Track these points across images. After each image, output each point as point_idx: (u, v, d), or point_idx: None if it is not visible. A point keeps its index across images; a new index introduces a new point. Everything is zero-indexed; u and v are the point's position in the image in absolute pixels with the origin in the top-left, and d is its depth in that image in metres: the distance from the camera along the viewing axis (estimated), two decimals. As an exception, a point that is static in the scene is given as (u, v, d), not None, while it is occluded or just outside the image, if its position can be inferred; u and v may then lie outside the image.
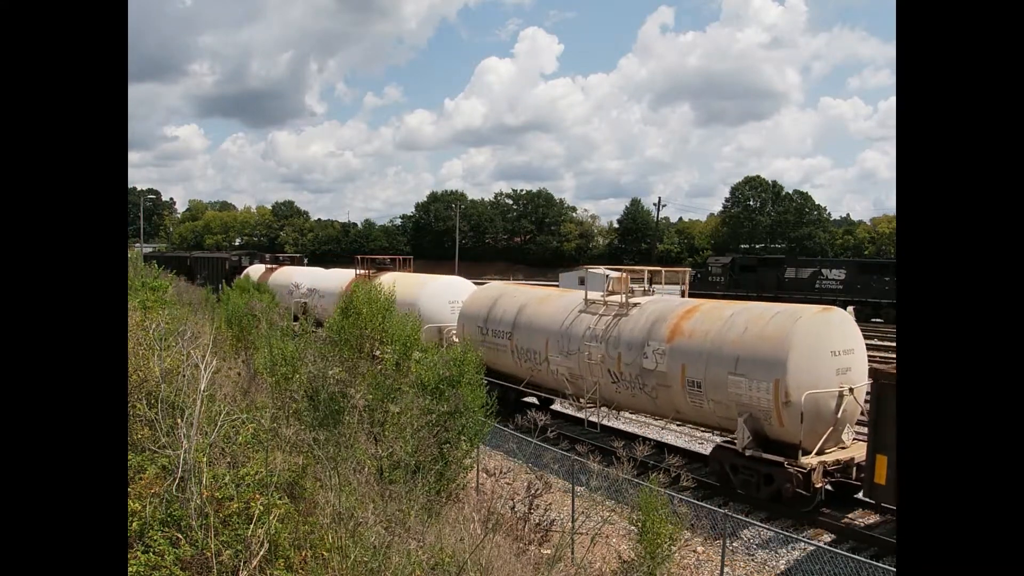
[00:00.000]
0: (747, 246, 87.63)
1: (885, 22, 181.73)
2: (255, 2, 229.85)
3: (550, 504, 9.93)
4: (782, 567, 9.91)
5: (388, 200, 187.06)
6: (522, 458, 11.55)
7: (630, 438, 13.37)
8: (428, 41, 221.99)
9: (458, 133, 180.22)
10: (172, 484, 4.68)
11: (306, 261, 46.69)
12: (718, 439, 15.30)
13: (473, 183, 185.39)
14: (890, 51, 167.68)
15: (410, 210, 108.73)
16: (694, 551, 10.06)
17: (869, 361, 11.90)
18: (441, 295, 21.10)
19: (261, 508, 4.64)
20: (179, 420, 5.22)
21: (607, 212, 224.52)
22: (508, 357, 16.92)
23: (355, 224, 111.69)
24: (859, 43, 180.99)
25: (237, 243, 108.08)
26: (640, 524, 7.57)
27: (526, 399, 17.12)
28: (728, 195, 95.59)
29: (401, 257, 30.06)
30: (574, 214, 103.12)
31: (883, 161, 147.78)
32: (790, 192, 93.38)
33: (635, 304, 14.08)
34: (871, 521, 11.17)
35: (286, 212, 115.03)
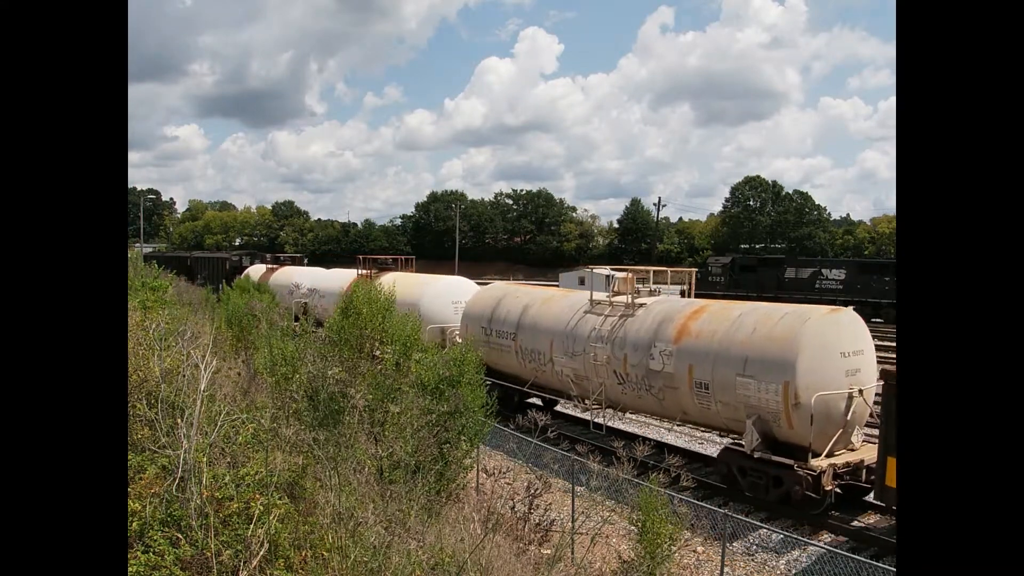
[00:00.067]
0: (747, 246, 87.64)
1: (885, 22, 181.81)
2: (255, 2, 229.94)
3: (550, 504, 9.93)
4: (782, 567, 9.91)
5: (388, 200, 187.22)
6: (522, 458, 11.55)
7: (630, 438, 13.36)
8: (428, 41, 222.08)
9: (458, 133, 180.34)
10: (172, 484, 4.68)
11: (306, 261, 46.67)
12: (717, 439, 15.32)
13: (473, 183, 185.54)
14: (890, 51, 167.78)
15: (410, 210, 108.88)
16: (694, 551, 10.06)
17: (877, 362, 11.85)
18: (444, 295, 21.04)
19: (261, 508, 4.64)
20: (179, 420, 5.22)
21: (607, 212, 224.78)
22: (512, 358, 16.82)
23: (355, 224, 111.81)
24: (859, 43, 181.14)
25: (237, 243, 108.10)
26: (640, 524, 7.57)
27: (530, 400, 17.06)
28: (728, 195, 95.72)
29: (403, 257, 30.01)
30: (574, 214, 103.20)
31: (883, 161, 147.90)
32: (790, 192, 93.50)
33: (641, 304, 13.98)
34: (871, 521, 11.17)
35: (286, 212, 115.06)
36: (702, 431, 14.43)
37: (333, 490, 5.82)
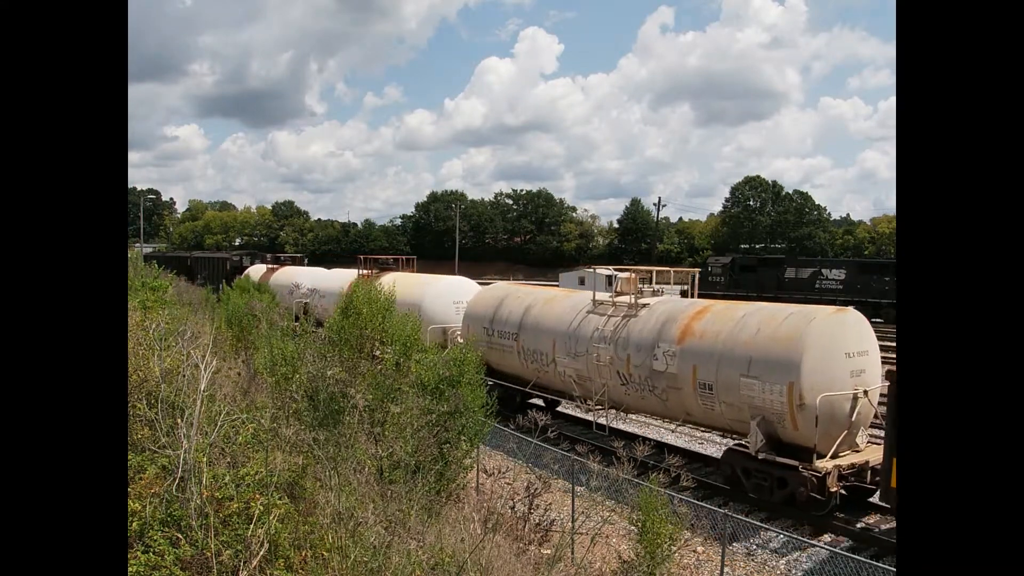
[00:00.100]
0: (747, 246, 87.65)
1: (885, 22, 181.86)
2: (255, 2, 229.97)
3: (550, 504, 9.93)
4: (782, 567, 9.91)
5: (388, 200, 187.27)
6: (522, 458, 11.55)
7: (630, 438, 13.35)
8: (428, 41, 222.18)
9: (458, 133, 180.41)
10: (172, 484, 4.68)
11: (306, 261, 46.65)
12: (718, 439, 15.31)
13: (473, 183, 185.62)
14: (890, 51, 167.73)
15: (410, 210, 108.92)
16: (694, 551, 10.05)
17: (882, 363, 11.80)
18: (446, 295, 20.99)
19: (261, 508, 4.64)
20: (179, 420, 5.22)
21: (607, 212, 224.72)
22: (514, 358, 16.76)
23: (355, 224, 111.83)
24: (859, 43, 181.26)
25: (237, 243, 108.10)
26: (640, 524, 7.57)
27: (532, 400, 17.00)
28: (728, 195, 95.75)
29: (404, 257, 29.97)
30: (574, 214, 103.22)
31: (883, 161, 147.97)
32: (790, 192, 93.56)
33: (644, 305, 13.91)
34: (872, 521, 11.17)
35: (286, 212, 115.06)
36: (702, 431, 14.42)
37: (333, 490, 5.82)
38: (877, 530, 10.75)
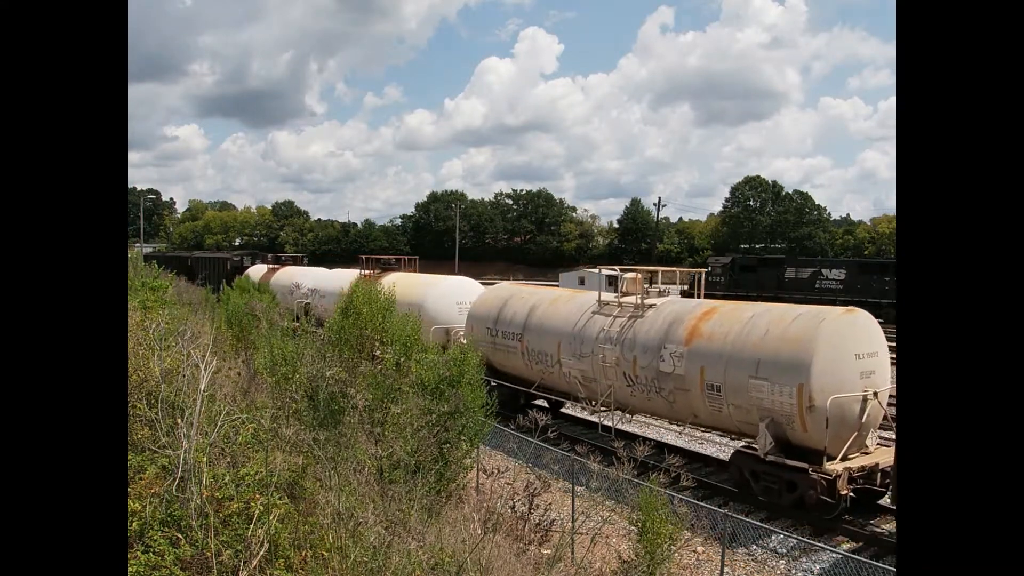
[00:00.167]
0: (747, 246, 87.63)
1: (885, 22, 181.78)
2: (255, 2, 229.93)
3: (550, 504, 9.93)
4: (782, 567, 9.91)
5: (388, 200, 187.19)
6: (522, 458, 11.55)
7: (630, 438, 13.35)
8: (428, 41, 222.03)
9: (458, 133, 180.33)
10: (172, 484, 4.68)
11: (306, 261, 46.66)
12: (717, 439, 15.31)
13: (473, 183, 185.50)
14: (890, 51, 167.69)
15: (410, 210, 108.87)
16: (694, 551, 10.06)
17: (892, 364, 11.71)
18: (449, 296, 20.95)
19: (261, 508, 4.64)
20: (179, 420, 5.22)
21: (607, 212, 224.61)
22: (518, 359, 16.67)
23: (355, 224, 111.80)
24: (859, 43, 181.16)
25: (237, 243, 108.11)
26: (640, 524, 7.57)
27: (536, 401, 16.92)
28: (728, 195, 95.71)
29: (407, 257, 29.92)
30: (574, 214, 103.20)
31: (883, 161, 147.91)
32: (790, 192, 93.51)
33: (650, 306, 13.81)
34: (873, 520, 11.17)
35: (286, 212, 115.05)
36: (702, 432, 14.39)
37: (333, 490, 5.82)
38: (888, 534, 10.68)
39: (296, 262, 41.23)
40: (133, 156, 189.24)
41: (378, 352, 11.64)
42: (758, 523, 10.23)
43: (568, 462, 10.37)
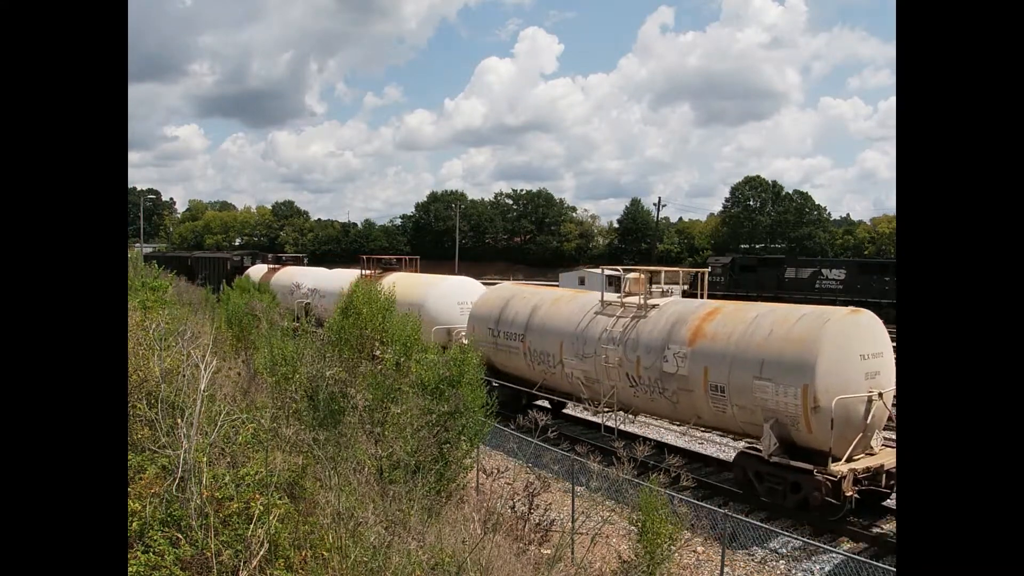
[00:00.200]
0: (747, 246, 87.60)
1: (885, 22, 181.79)
2: (255, 2, 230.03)
3: (550, 504, 9.93)
4: (782, 567, 9.91)
5: (388, 200, 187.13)
6: (522, 458, 11.55)
7: (630, 438, 13.35)
8: (428, 41, 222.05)
9: (458, 133, 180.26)
10: (172, 484, 4.68)
11: (306, 261, 46.66)
12: (717, 439, 15.32)
13: (473, 183, 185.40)
14: (890, 51, 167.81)
15: (410, 210, 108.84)
16: (694, 551, 10.06)
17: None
18: (450, 296, 20.90)
19: (261, 508, 4.64)
20: (179, 420, 5.22)
21: (607, 212, 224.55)
22: (520, 360, 16.61)
23: (355, 224, 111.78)
24: (859, 43, 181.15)
25: (237, 243, 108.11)
26: (640, 524, 7.57)
27: (538, 402, 16.86)
28: (728, 195, 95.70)
29: (408, 257, 29.88)
30: (574, 214, 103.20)
31: (883, 161, 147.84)
32: (790, 192, 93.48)
33: (653, 306, 13.74)
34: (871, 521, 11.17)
35: (286, 212, 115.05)
36: (702, 432, 14.39)
37: (333, 490, 5.82)
38: (891, 534, 10.63)
39: (296, 262, 41.22)
40: (133, 156, 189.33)
41: (378, 352, 11.64)
42: (758, 523, 10.23)
43: (568, 462, 10.37)
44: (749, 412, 11.36)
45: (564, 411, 17.80)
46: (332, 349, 10.93)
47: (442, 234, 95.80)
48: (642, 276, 14.96)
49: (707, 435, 14.82)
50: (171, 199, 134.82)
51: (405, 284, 21.67)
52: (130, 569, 3.93)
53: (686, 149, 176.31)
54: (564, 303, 16.06)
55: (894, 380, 11.18)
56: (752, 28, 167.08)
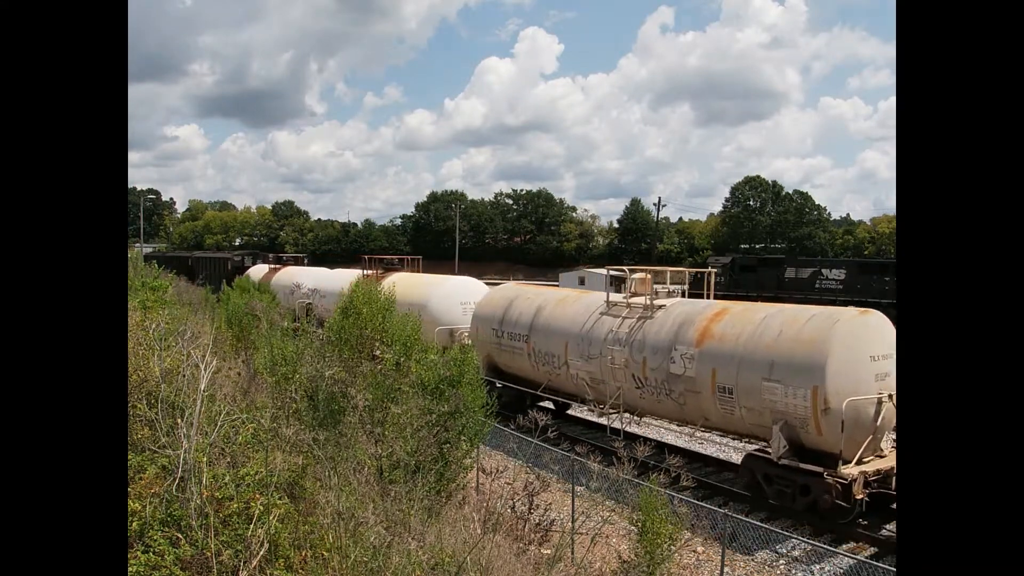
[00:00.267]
0: (747, 246, 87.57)
1: (885, 22, 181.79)
2: (255, 2, 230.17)
3: (550, 504, 9.94)
4: (782, 567, 9.91)
5: (388, 200, 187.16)
6: (522, 458, 11.54)
7: (631, 438, 13.34)
8: (428, 41, 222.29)
9: (458, 133, 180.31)
10: (172, 484, 4.68)
11: (306, 261, 46.65)
12: (717, 439, 15.31)
13: (473, 183, 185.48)
14: (890, 51, 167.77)
15: (410, 210, 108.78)
16: (694, 551, 10.06)
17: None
18: (453, 296, 20.82)
19: (261, 508, 4.64)
20: (179, 420, 5.22)
21: (607, 212, 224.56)
22: (524, 360, 16.52)
23: (355, 224, 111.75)
24: (859, 43, 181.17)
25: (237, 243, 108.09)
26: (640, 524, 7.57)
27: (542, 403, 16.78)
28: (728, 195, 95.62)
29: (409, 257, 29.83)
30: (574, 214, 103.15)
31: (883, 161, 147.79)
32: (790, 192, 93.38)
33: (660, 306, 13.64)
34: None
35: (286, 212, 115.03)
36: (702, 432, 14.37)
37: (333, 490, 5.82)
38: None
39: (297, 262, 41.22)
40: (133, 156, 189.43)
41: (378, 352, 11.64)
42: (758, 523, 10.23)
43: (568, 462, 10.36)
44: (758, 414, 11.27)
45: (568, 412, 17.73)
46: (332, 349, 10.93)
47: (442, 234, 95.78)
48: (648, 276, 14.85)
49: (707, 435, 14.81)
50: (171, 199, 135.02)
51: (408, 284, 21.64)
52: (130, 569, 3.93)
53: (686, 149, 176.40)
54: (569, 303, 15.95)
55: None
56: (752, 28, 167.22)
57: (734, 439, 14.86)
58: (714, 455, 14.72)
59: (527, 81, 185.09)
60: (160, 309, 11.76)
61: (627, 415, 14.31)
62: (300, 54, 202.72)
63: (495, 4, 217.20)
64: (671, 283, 16.23)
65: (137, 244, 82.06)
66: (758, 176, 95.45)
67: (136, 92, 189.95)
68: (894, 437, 11.40)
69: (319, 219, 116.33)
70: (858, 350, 10.59)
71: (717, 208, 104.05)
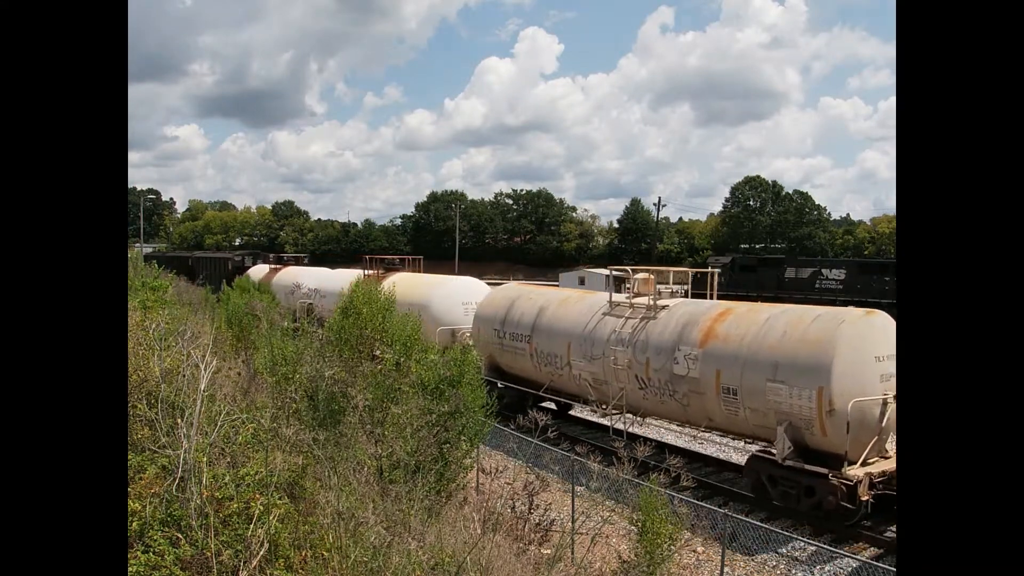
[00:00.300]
0: (747, 246, 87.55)
1: (885, 22, 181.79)
2: (255, 2, 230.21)
3: (550, 504, 9.94)
4: (782, 567, 9.91)
5: (388, 200, 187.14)
6: (522, 458, 11.54)
7: (631, 438, 13.33)
8: (428, 41, 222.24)
9: (458, 133, 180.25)
10: (172, 484, 4.68)
11: (307, 261, 46.63)
12: (717, 439, 15.30)
13: (473, 183, 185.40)
14: (890, 51, 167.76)
15: (410, 210, 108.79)
16: (694, 551, 10.06)
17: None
18: (454, 296, 20.76)
19: (261, 508, 4.64)
20: (179, 420, 5.22)
21: (607, 212, 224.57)
22: (527, 361, 16.46)
23: (355, 224, 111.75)
24: (859, 43, 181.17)
25: (237, 243, 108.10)
26: (640, 524, 7.57)
27: (544, 404, 16.75)
28: (728, 195, 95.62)
29: (410, 257, 29.81)
30: (574, 214, 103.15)
31: (883, 161, 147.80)
32: (790, 192, 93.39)
33: (663, 307, 13.59)
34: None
35: (286, 212, 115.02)
36: (702, 432, 14.36)
37: (333, 490, 5.82)
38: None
39: (298, 262, 41.19)
40: (133, 156, 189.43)
41: (378, 352, 11.64)
42: (758, 523, 10.23)
43: (568, 462, 10.36)
44: (762, 415, 11.23)
45: (570, 413, 17.70)
46: (332, 349, 10.93)
47: (442, 234, 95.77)
48: (651, 277, 14.80)
49: (707, 435, 14.80)
50: (171, 199, 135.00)
51: (409, 284, 21.61)
52: (130, 569, 3.93)
53: (686, 149, 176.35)
54: (571, 304, 15.90)
55: None
56: (752, 28, 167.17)
57: (735, 439, 14.85)
58: (714, 455, 14.72)
59: (527, 81, 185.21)
60: (160, 309, 11.76)
61: (630, 416, 14.26)
62: (300, 54, 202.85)
63: (495, 4, 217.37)
64: (673, 283, 16.12)
65: (137, 244, 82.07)
66: (758, 176, 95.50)
67: (136, 92, 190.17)
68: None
69: (319, 219, 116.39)
70: (863, 351, 10.55)
71: (717, 208, 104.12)
